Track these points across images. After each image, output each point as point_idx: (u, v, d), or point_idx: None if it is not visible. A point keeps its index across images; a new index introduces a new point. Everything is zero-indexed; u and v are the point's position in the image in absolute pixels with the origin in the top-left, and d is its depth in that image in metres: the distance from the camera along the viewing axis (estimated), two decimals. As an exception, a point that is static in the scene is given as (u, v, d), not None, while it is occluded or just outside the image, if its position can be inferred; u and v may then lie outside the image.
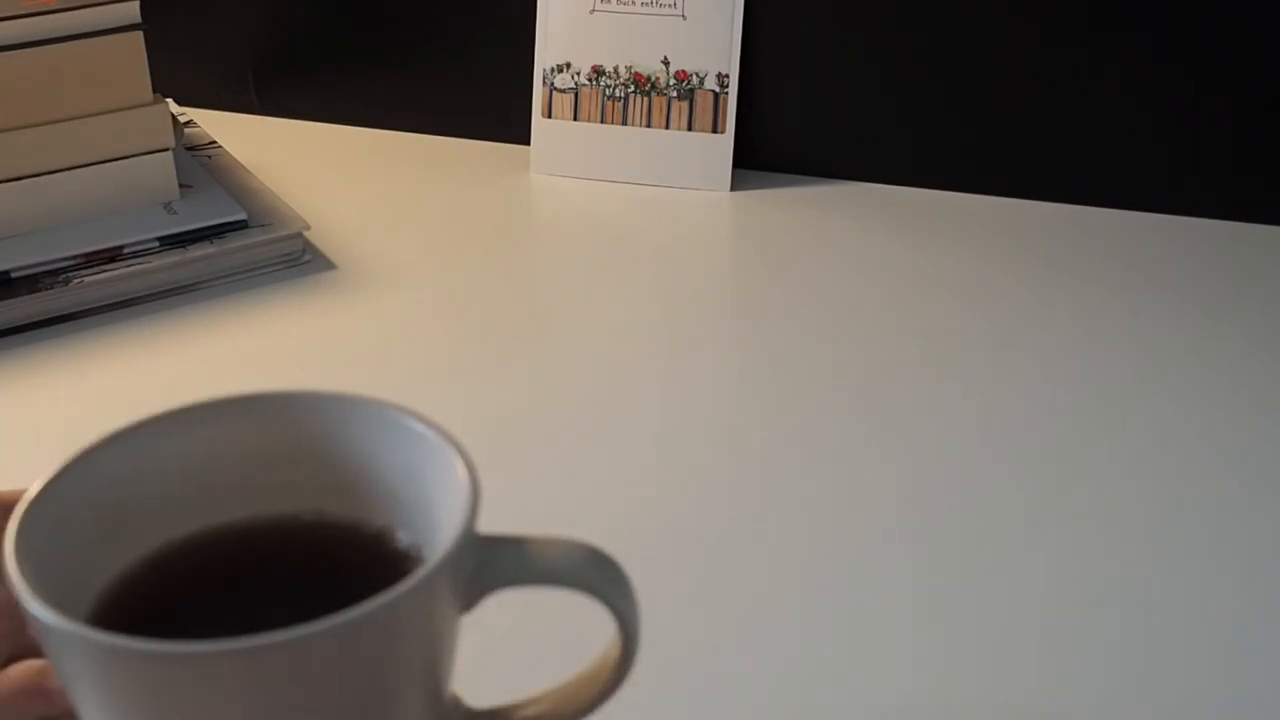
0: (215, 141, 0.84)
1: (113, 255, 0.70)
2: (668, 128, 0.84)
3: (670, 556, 0.53)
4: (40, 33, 0.69)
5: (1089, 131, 0.80)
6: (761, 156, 0.85)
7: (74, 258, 0.70)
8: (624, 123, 0.84)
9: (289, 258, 0.75)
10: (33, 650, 0.38)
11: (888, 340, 0.68)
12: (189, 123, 0.85)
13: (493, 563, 0.34)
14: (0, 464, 0.59)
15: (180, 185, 0.75)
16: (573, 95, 0.85)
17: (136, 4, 0.71)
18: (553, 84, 0.85)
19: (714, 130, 0.83)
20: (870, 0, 0.80)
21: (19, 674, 0.38)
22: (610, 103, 0.84)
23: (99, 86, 0.71)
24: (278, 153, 0.88)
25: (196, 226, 0.72)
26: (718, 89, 0.83)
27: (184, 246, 0.72)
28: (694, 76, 0.83)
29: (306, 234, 0.75)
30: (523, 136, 0.87)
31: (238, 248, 0.72)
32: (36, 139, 0.70)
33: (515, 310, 0.71)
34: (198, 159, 0.81)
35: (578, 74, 0.84)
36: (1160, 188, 0.80)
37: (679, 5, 0.82)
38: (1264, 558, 0.53)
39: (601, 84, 0.84)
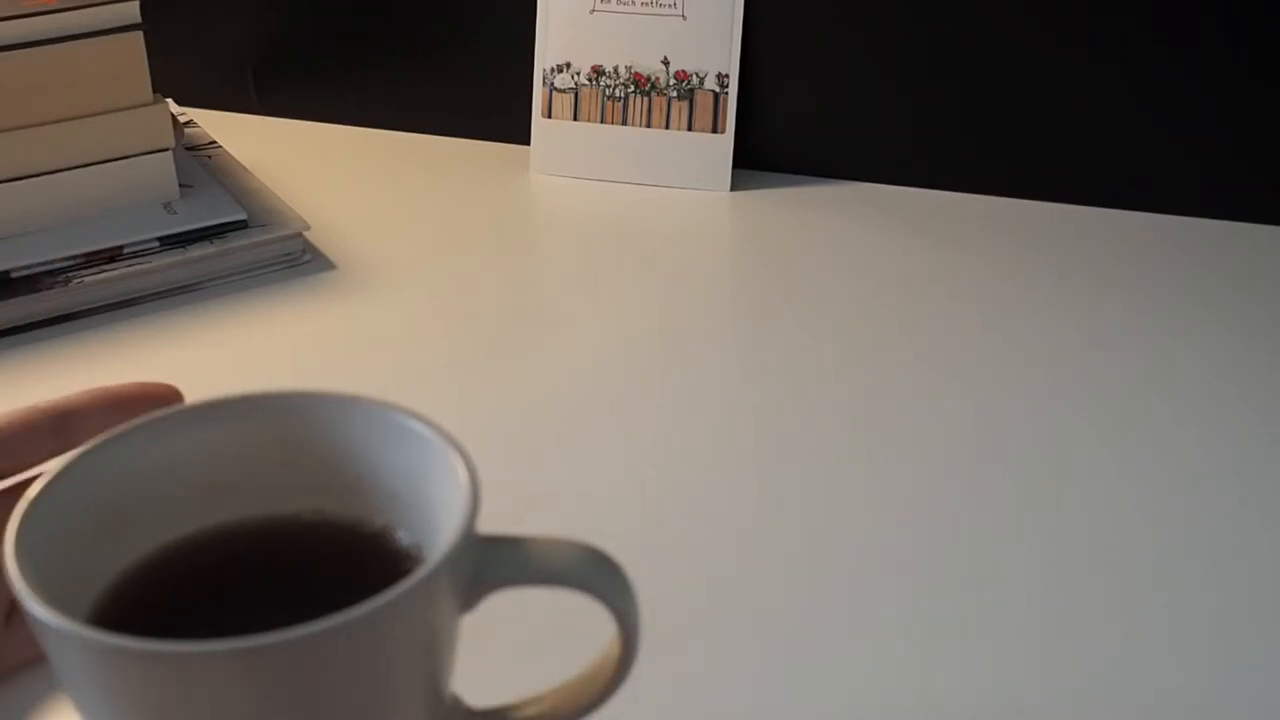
0: (215, 141, 0.84)
1: (113, 255, 0.70)
2: (668, 128, 0.84)
3: (670, 556, 0.53)
4: (40, 33, 0.69)
5: (1089, 131, 0.80)
6: (762, 156, 0.85)
7: (74, 258, 0.70)
8: (624, 123, 0.84)
9: (289, 258, 0.75)
10: None
11: (888, 340, 0.68)
12: (189, 123, 0.85)
13: (492, 563, 0.34)
14: (0, 464, 0.59)
15: (180, 185, 0.75)
16: (573, 95, 0.85)
17: (136, 4, 0.71)
18: (553, 84, 0.85)
19: (714, 130, 0.83)
20: (870, 0, 0.80)
21: None
22: (610, 103, 0.84)
23: (99, 86, 0.71)
24: (278, 153, 0.88)
25: (196, 226, 0.72)
26: (718, 89, 0.83)
27: (184, 246, 0.72)
28: (694, 76, 0.83)
29: (306, 234, 0.75)
30: (523, 136, 0.87)
31: (238, 248, 0.72)
32: (36, 139, 0.70)
33: (515, 310, 0.71)
34: (198, 159, 0.81)
35: (578, 74, 0.84)
36: (1160, 188, 0.80)
37: (679, 5, 0.82)
38: (1263, 557, 0.53)
39: (601, 84, 0.84)
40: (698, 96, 0.83)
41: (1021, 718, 0.46)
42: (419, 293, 0.73)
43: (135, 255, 0.71)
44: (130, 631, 0.29)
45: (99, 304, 0.70)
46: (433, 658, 0.33)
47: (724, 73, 0.83)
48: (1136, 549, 0.53)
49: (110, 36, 0.70)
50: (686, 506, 0.56)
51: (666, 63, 0.83)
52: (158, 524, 0.36)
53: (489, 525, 0.34)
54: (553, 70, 0.85)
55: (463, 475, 0.34)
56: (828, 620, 0.50)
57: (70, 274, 0.69)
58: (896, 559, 0.53)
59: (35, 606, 0.30)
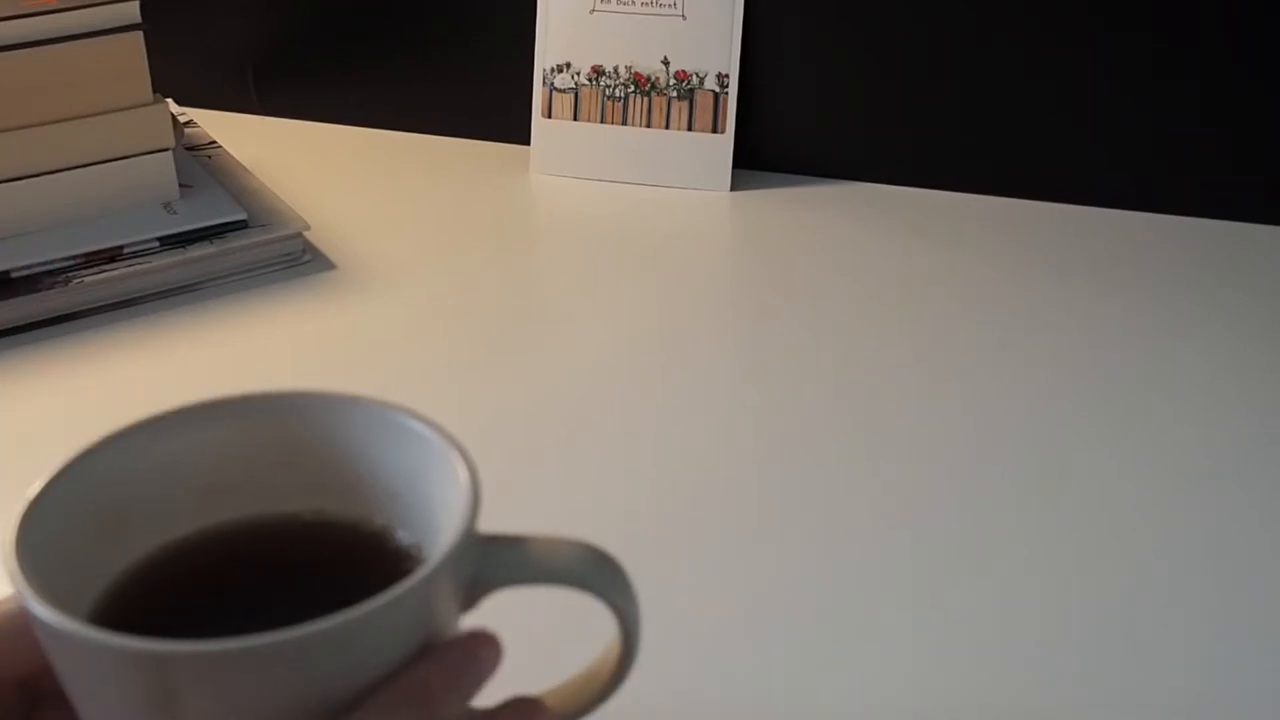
0: (215, 141, 0.84)
1: (113, 255, 0.70)
2: (668, 128, 0.84)
3: (670, 555, 0.53)
4: (40, 33, 0.69)
5: (1089, 131, 0.80)
6: (761, 156, 0.85)
7: (74, 258, 0.70)
8: (624, 123, 0.84)
9: (289, 258, 0.75)
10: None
11: (887, 340, 0.68)
12: (189, 123, 0.85)
13: (493, 562, 0.34)
14: (1, 463, 0.59)
15: (180, 185, 0.75)
16: (573, 95, 0.85)
17: (136, 4, 0.71)
18: (553, 84, 0.85)
19: (714, 130, 0.83)
20: (870, 0, 0.80)
21: None
22: (610, 103, 0.84)
23: (99, 86, 0.71)
24: (278, 153, 0.88)
25: (196, 226, 0.72)
26: (718, 89, 0.83)
27: (184, 246, 0.72)
28: (694, 76, 0.83)
29: (306, 234, 0.75)
30: (523, 136, 0.87)
31: (238, 248, 0.72)
32: (36, 139, 0.70)
33: (515, 310, 0.71)
34: (198, 159, 0.81)
35: (578, 74, 0.84)
36: (1160, 188, 0.80)
37: (679, 5, 0.82)
38: (1263, 557, 0.53)
39: (601, 84, 0.84)
40: (698, 96, 0.83)
41: (1021, 717, 0.46)
42: (419, 293, 0.73)
43: (135, 255, 0.71)
44: (130, 631, 0.29)
45: (99, 304, 0.70)
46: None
47: (724, 73, 0.82)
48: (1136, 549, 0.53)
49: (110, 36, 0.70)
50: (686, 506, 0.56)
51: (666, 63, 0.83)
52: (158, 524, 0.36)
53: (489, 524, 0.34)
54: (553, 70, 0.85)
55: (463, 475, 0.34)
56: (828, 619, 0.50)
57: (70, 274, 0.69)
58: (896, 557, 0.53)
59: (36, 606, 0.30)
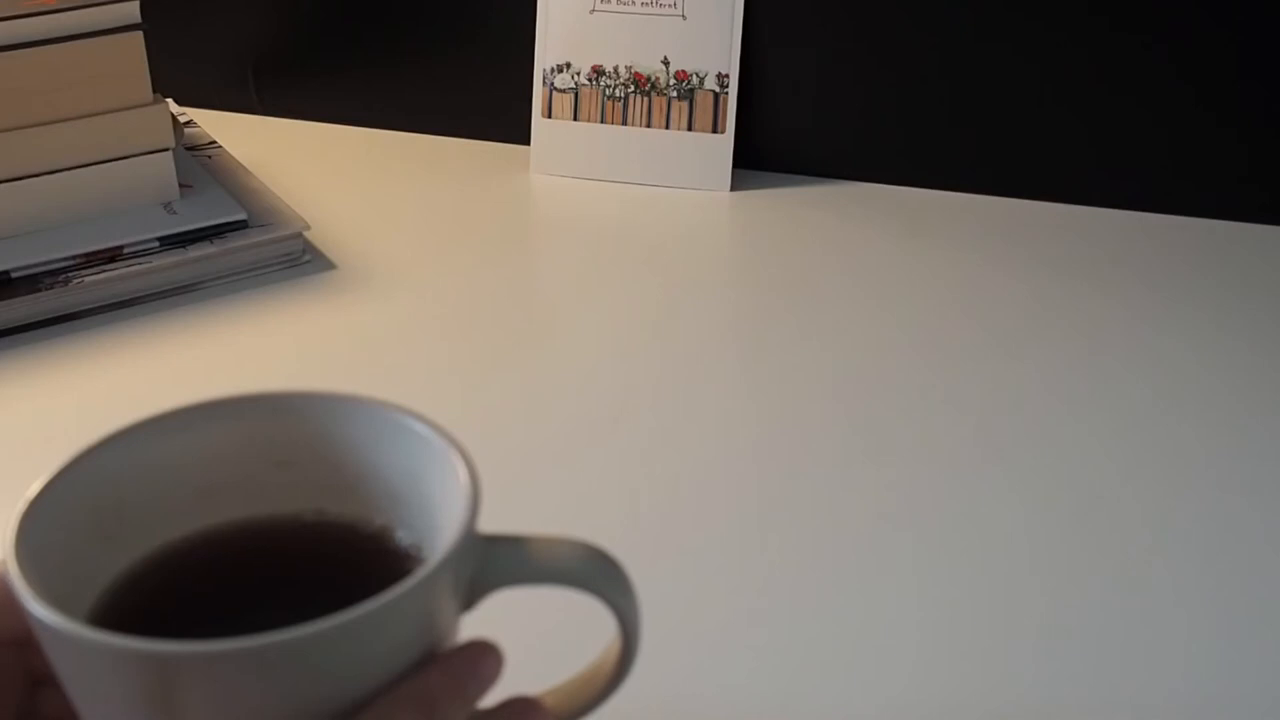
0: (215, 141, 0.84)
1: (113, 255, 0.70)
2: (668, 128, 0.84)
3: (670, 555, 0.53)
4: (40, 33, 0.69)
5: (1089, 131, 0.80)
6: (762, 156, 0.85)
7: (74, 258, 0.70)
8: (624, 123, 0.84)
9: (289, 258, 0.75)
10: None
11: (887, 340, 0.68)
12: (189, 123, 0.85)
13: (493, 561, 0.34)
14: (1, 463, 0.59)
15: (180, 185, 0.75)
16: (573, 95, 0.85)
17: (136, 4, 0.71)
18: (553, 84, 0.85)
19: (714, 130, 0.83)
20: (870, 1, 0.80)
21: None
22: (610, 103, 0.84)
23: (99, 86, 0.71)
24: (278, 153, 0.88)
25: (196, 226, 0.72)
26: (718, 89, 0.83)
27: (184, 246, 0.72)
28: (694, 76, 0.83)
29: (306, 234, 0.75)
30: (523, 136, 0.87)
31: (238, 248, 0.72)
32: (36, 139, 0.70)
33: (515, 310, 0.71)
34: (198, 159, 0.81)
35: (578, 74, 0.84)
36: (1160, 188, 0.80)
37: (679, 5, 0.82)
38: (1264, 560, 0.53)
39: (601, 84, 0.84)
40: (698, 96, 0.83)
41: (1021, 717, 0.46)
42: (419, 293, 0.73)
43: (135, 255, 0.71)
44: (131, 631, 0.29)
45: (99, 304, 0.70)
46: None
47: (724, 73, 0.82)
48: (1136, 549, 0.53)
49: (110, 36, 0.70)
50: (686, 505, 0.56)
51: (666, 63, 0.83)
52: (158, 524, 0.36)
53: (489, 524, 0.34)
54: (553, 70, 0.85)
55: (463, 475, 0.34)
56: (828, 619, 0.50)
57: (70, 274, 0.69)
58: (894, 556, 0.53)
59: (35, 606, 0.30)
